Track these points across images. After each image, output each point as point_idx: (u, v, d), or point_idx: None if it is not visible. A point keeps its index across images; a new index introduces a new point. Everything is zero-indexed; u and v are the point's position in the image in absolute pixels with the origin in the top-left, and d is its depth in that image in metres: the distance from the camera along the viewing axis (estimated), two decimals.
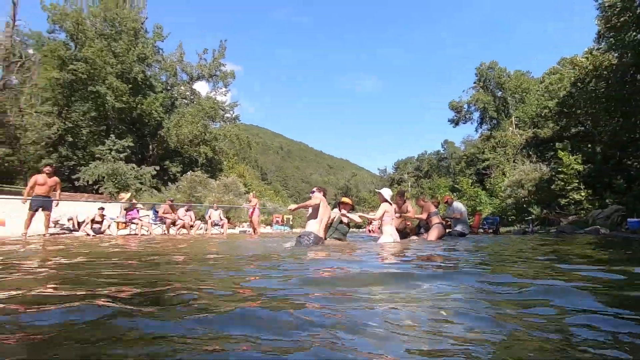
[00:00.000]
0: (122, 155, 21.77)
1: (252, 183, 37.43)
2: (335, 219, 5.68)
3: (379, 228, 6.27)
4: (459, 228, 8.32)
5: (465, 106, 46.70)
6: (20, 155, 17.81)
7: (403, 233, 7.05)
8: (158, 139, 25.64)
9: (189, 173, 22.67)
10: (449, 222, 8.65)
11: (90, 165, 20.84)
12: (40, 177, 7.71)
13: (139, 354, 0.85)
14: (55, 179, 7.96)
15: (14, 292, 1.60)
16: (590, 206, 14.88)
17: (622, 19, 12.86)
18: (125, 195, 13.48)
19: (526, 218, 18.02)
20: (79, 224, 9.67)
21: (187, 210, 11.30)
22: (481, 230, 12.90)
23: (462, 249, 4.50)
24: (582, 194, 15.63)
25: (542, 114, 24.80)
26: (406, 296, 1.52)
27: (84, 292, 1.56)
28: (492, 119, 43.42)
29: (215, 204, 12.43)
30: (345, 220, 5.87)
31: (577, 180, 15.89)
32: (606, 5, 13.42)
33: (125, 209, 10.77)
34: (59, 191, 8.12)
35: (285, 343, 0.93)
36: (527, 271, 2.32)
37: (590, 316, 1.16)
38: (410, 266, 2.66)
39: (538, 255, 3.63)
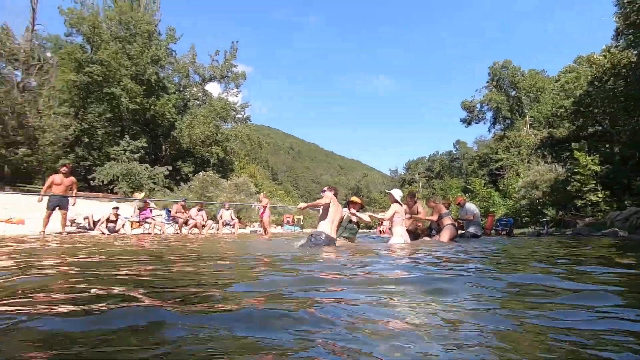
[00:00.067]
0: (136, 156, 22.18)
1: (263, 183, 37.62)
2: (344, 218, 5.66)
3: (389, 229, 6.23)
4: (471, 230, 8.20)
5: (478, 106, 46.09)
6: (38, 156, 18.27)
7: (414, 234, 6.99)
8: (171, 140, 26.02)
9: (200, 173, 22.96)
10: (461, 224, 8.54)
11: (105, 165, 21.29)
12: (57, 177, 7.90)
13: (155, 354, 0.86)
14: (72, 178, 8.14)
15: (36, 293, 1.64)
16: (607, 208, 14.48)
17: None
18: (139, 195, 13.72)
19: (541, 220, 17.64)
20: (95, 223, 9.88)
21: (199, 210, 11.44)
22: (494, 232, 12.70)
23: (475, 250, 4.44)
24: (600, 195, 15.21)
25: (558, 114, 24.22)
26: (420, 298, 1.50)
27: (102, 291, 1.59)
28: (505, 118, 42.73)
29: (226, 204, 12.54)
30: (354, 219, 5.85)
31: (594, 182, 15.47)
32: (625, 1, 13.05)
33: (138, 209, 10.95)
34: (75, 190, 8.31)
35: (290, 343, 0.93)
36: (548, 273, 2.27)
37: (619, 321, 1.13)
38: (421, 267, 2.64)
39: (557, 257, 3.55)
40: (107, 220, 9.68)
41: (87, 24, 22.36)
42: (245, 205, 19.06)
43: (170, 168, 23.60)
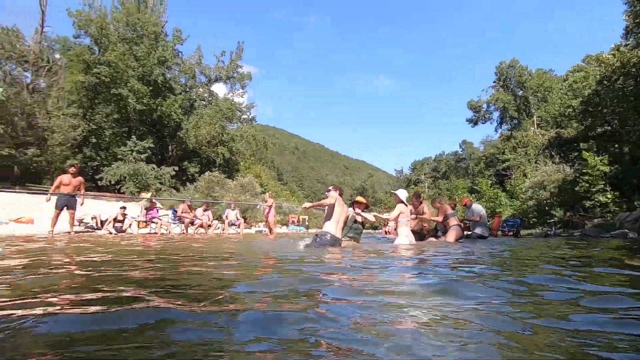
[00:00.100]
0: (142, 156, 22.37)
1: (268, 183, 37.74)
2: (349, 218, 5.64)
3: (395, 229, 6.21)
4: (478, 231, 8.15)
5: (485, 106, 45.78)
6: (47, 156, 18.49)
7: (419, 235, 6.97)
8: (177, 140, 26.21)
9: (206, 173, 23.10)
10: (468, 225, 8.49)
11: (112, 165, 21.50)
12: (65, 177, 8.00)
13: (159, 355, 0.87)
14: (80, 178, 8.24)
15: (45, 293, 1.66)
16: (617, 209, 14.29)
17: None
18: (146, 195, 13.84)
19: (548, 220, 17.46)
20: (102, 223, 9.99)
21: (205, 210, 11.50)
22: (501, 233, 12.60)
23: (482, 251, 4.40)
24: (609, 196, 15.01)
25: (566, 113, 23.94)
26: (426, 299, 1.49)
27: (110, 291, 1.61)
28: (512, 118, 42.38)
29: (232, 204, 12.60)
30: (359, 219, 5.84)
31: (603, 182, 15.28)
32: None
33: (145, 209, 11.05)
34: (83, 190, 8.40)
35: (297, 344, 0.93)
36: (558, 275, 2.25)
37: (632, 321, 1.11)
38: (427, 268, 2.62)
39: (566, 258, 3.51)
40: (115, 220, 9.78)
41: (95, 26, 22.61)
42: (251, 205, 19.13)
43: (176, 168, 23.77)
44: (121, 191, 20.42)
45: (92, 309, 1.26)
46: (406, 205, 5.78)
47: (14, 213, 9.74)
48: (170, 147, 26.72)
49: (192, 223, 10.99)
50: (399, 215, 5.63)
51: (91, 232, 9.70)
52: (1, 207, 9.53)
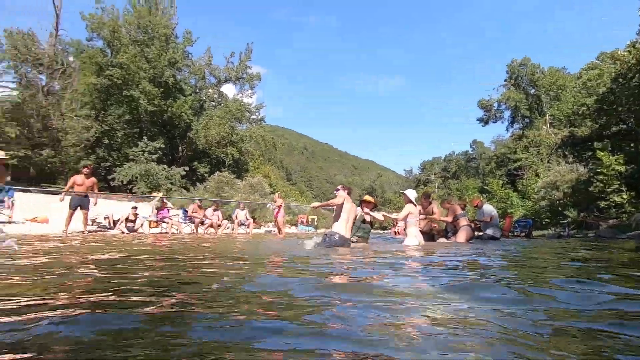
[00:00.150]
0: (153, 157, 22.71)
1: (277, 183, 37.90)
2: (357, 217, 5.61)
3: (404, 230, 6.17)
4: (489, 232, 8.03)
5: (495, 105, 45.19)
6: (61, 157, 18.90)
7: (429, 235, 6.91)
8: (187, 141, 26.52)
9: (216, 173, 23.32)
10: (478, 225, 8.38)
11: (124, 166, 21.87)
12: (78, 178, 8.15)
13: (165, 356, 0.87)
14: (93, 179, 8.38)
15: (60, 292, 1.69)
16: (633, 209, 13.95)
17: None
18: (157, 195, 14.02)
19: (561, 221, 17.13)
20: (114, 222, 10.15)
21: (214, 210, 11.59)
22: (512, 233, 12.41)
23: (494, 252, 4.34)
24: (624, 196, 14.66)
25: (580, 112, 23.48)
26: (437, 300, 1.48)
27: (123, 290, 1.63)
28: (524, 117, 41.74)
29: (242, 203, 12.68)
30: (368, 218, 5.81)
31: (619, 182, 14.93)
32: None
33: (156, 208, 11.19)
34: (96, 191, 8.55)
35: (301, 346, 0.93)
36: (573, 277, 2.20)
37: None
38: (437, 269, 2.60)
39: (581, 260, 3.44)
40: (127, 219, 9.93)
41: (107, 29, 23.04)
42: (260, 205, 19.23)
43: (186, 168, 24.06)
44: (133, 191, 20.75)
45: (107, 309, 1.28)
46: (415, 205, 5.73)
47: (30, 213, 9.96)
48: (180, 148, 27.05)
49: (202, 223, 11.09)
50: (407, 215, 5.58)
51: (104, 231, 9.87)
52: (18, 207, 9.74)
